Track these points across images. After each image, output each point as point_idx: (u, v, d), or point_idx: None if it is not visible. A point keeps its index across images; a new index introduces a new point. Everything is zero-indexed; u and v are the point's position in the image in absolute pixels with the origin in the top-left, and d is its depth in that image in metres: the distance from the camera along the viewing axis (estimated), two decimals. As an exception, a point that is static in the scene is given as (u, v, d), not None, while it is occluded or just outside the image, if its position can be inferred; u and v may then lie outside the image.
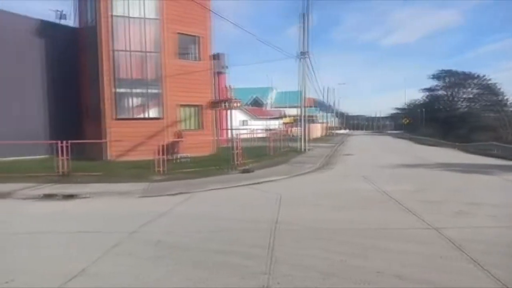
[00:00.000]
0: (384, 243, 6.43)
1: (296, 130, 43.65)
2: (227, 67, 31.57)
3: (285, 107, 75.28)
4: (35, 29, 21.18)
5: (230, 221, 8.13)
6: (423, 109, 69.27)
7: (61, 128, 19.36)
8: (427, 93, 75.35)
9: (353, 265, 5.41)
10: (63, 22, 23.34)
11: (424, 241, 6.57)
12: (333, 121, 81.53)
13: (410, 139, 50.07)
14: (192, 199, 10.68)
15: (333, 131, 68.61)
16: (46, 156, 18.68)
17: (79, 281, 5.02)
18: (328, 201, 10.22)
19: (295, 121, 56.43)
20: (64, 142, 14.40)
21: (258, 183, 13.18)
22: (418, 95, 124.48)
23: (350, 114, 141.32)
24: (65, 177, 13.84)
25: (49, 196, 11.30)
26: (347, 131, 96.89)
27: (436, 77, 71.82)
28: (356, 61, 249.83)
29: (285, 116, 65.36)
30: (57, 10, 23.70)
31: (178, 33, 20.34)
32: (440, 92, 72.96)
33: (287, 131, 34.62)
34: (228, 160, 16.05)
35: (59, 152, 14.27)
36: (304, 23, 25.39)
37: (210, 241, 6.69)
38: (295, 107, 74.10)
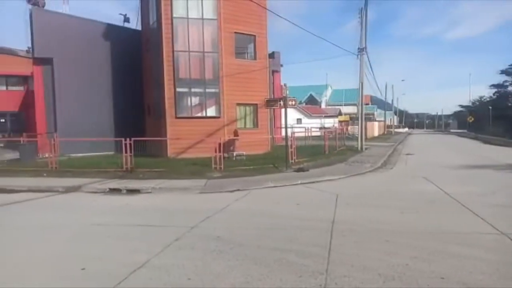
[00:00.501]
0: (449, 247, 6.12)
1: (352, 129, 42.70)
2: (282, 65, 31.65)
3: (341, 105, 73.89)
4: (103, 32, 22.52)
5: (286, 219, 8.14)
6: (490, 107, 64.77)
7: (125, 126, 20.47)
8: (496, 90, 70.29)
9: (415, 269, 5.21)
10: (127, 25, 24.61)
11: (493, 247, 6.17)
12: (392, 120, 78.69)
13: (476, 138, 47.14)
14: (249, 196, 10.82)
15: (391, 130, 66.18)
16: (112, 152, 19.81)
17: (144, 272, 5.28)
18: (389, 202, 9.90)
19: (351, 119, 55.17)
20: (128, 139, 15.18)
21: (314, 182, 13.07)
22: (484, 92, 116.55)
23: (410, 112, 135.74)
24: (129, 173, 14.58)
25: (114, 191, 11.99)
26: (406, 129, 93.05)
27: (506, 72, 66.81)
28: (417, 56, 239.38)
29: (340, 114, 64.14)
30: (125, 14, 25.06)
31: (235, 32, 20.65)
32: (511, 88, 67.81)
33: (343, 129, 33.92)
34: (283, 159, 16.05)
35: (124, 149, 15.07)
36: (362, 18, 24.72)
37: (267, 238, 6.74)
38: (351, 104, 72.66)
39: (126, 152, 15.03)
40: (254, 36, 21.42)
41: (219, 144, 15.67)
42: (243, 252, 6.02)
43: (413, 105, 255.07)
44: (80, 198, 11.29)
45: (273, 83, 28.23)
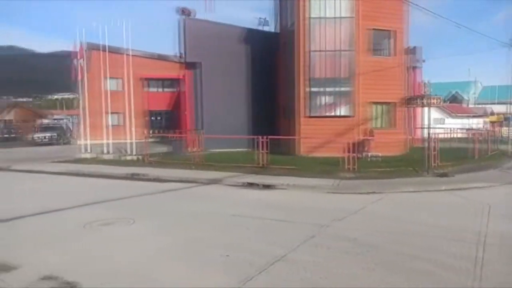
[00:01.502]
0: None
1: (505, 130, 37.35)
2: (423, 60, 29.38)
3: (492, 104, 65.24)
4: (242, 36, 24.04)
5: (427, 226, 7.55)
6: None
7: (260, 124, 21.49)
8: None
9: None
10: (266, 28, 25.82)
11: None
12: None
13: None
14: (384, 200, 10.33)
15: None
16: (248, 149, 20.98)
17: (282, 265, 5.47)
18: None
19: (506, 119, 48.25)
20: (263, 137, 15.88)
21: (460, 189, 11.81)
22: None
23: None
24: (263, 169, 15.26)
25: (250, 185, 12.68)
26: None
27: None
28: None
29: (492, 114, 56.63)
30: (260, 18, 26.36)
31: (372, 29, 19.92)
32: None
33: (493, 131, 29.90)
34: (422, 162, 14.90)
35: (259, 146, 15.82)
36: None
37: (405, 244, 6.37)
38: (504, 103, 63.55)
39: (261, 149, 15.75)
40: (392, 31, 20.34)
41: (352, 144, 15.31)
42: (379, 256, 5.79)
43: None
44: (220, 190, 12.26)
45: (413, 79, 26.39)
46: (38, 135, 36.82)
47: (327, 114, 19.92)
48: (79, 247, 6.55)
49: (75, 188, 12.94)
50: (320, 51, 19.60)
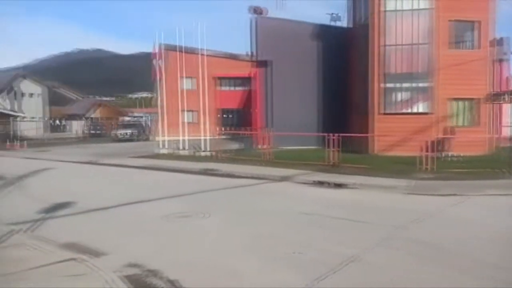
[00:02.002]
0: None
1: None
2: (512, 53, 26.85)
3: None
4: (312, 32, 23.80)
5: (517, 234, 6.94)
6: None
7: (330, 122, 21.15)
8: None
9: None
10: (337, 24, 25.34)
11: None
12: None
13: None
14: (466, 203, 9.66)
15: None
16: (318, 147, 20.75)
17: (356, 266, 5.36)
18: None
19: None
20: (334, 135, 15.61)
21: (555, 193, 10.68)
22: None
23: None
24: (334, 167, 15.01)
25: (320, 183, 12.53)
26: None
27: None
28: None
29: None
30: (332, 14, 25.90)
31: (453, 20, 18.66)
32: None
33: None
34: (509, 163, 13.67)
35: (329, 144, 15.58)
36: None
37: (489, 252, 5.91)
38: None
39: (331, 147, 15.51)
40: (476, 22, 18.88)
41: (430, 143, 14.49)
42: (458, 263, 5.45)
43: None
44: (290, 187, 12.29)
45: (500, 74, 24.29)
46: (120, 132, 39.63)
47: (403, 111, 19.08)
48: (160, 237, 6.97)
49: (154, 182, 13.74)
50: (396, 45, 18.81)
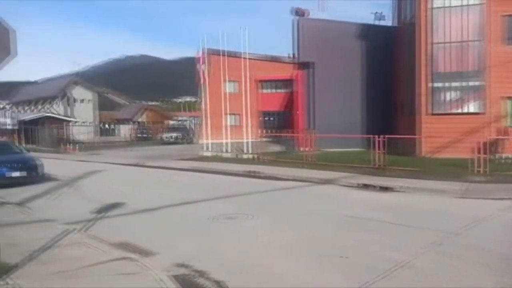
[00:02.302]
0: None
1: None
2: None
3: None
4: (356, 32, 23.39)
5: None
6: None
7: (375, 123, 20.66)
8: None
9: None
10: (381, 23, 24.78)
11: None
12: None
13: None
14: (524, 208, 9.10)
15: None
16: (362, 149, 20.32)
17: (405, 271, 5.19)
18: None
19: None
20: (380, 136, 15.22)
21: None
22: None
23: None
24: (380, 170, 14.63)
25: (366, 186, 12.25)
26: None
27: None
28: None
29: None
30: (376, 12, 25.34)
31: (505, 15, 17.67)
32: None
33: None
34: None
35: (375, 146, 15.21)
36: None
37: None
38: None
39: (377, 149, 15.13)
40: (535, 14, 17.76)
41: (483, 144, 13.78)
42: (516, 271, 5.13)
43: None
44: (334, 190, 12.11)
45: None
46: (166, 135, 40.85)
47: (453, 111, 18.27)
48: (207, 238, 7.10)
49: (199, 184, 14.03)
50: (444, 43, 18.07)
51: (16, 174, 13.66)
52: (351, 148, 20.84)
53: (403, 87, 20.92)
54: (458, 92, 18.23)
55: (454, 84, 18.15)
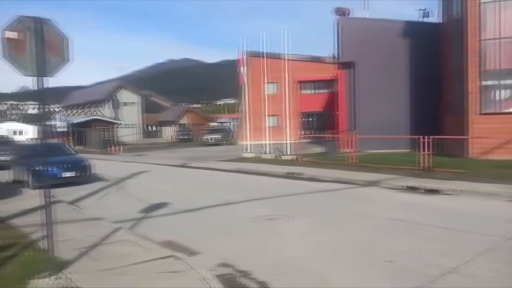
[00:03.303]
0: None
1: None
2: None
3: None
4: (399, 30, 22.74)
5: None
6: None
7: (421, 124, 19.90)
8: None
9: None
10: (426, 20, 23.95)
11: None
12: None
13: None
14: None
15: None
16: (406, 150, 19.70)
17: (455, 277, 5.00)
18: None
19: None
20: (426, 137, 14.70)
21: None
22: None
23: None
24: (426, 172, 14.13)
25: (411, 189, 11.86)
26: None
27: None
28: None
29: None
30: (424, 9, 24.54)
31: None
32: None
33: None
34: None
35: (420, 147, 14.70)
36: None
37: None
38: None
39: (423, 151, 14.63)
40: None
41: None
42: None
43: None
44: (377, 192, 11.81)
45: None
46: (207, 137, 41.54)
47: (504, 110, 17.33)
48: (249, 238, 7.16)
49: (240, 184, 14.16)
50: (494, 39, 17.16)
51: (68, 174, 14.41)
52: (395, 149, 20.25)
53: (451, 86, 20.07)
54: (509, 91, 17.28)
55: (506, 82, 17.21)
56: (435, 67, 21.81)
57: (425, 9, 24.30)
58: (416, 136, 15.25)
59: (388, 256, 5.81)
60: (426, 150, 14.51)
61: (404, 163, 15.54)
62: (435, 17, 23.76)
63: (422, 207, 9.55)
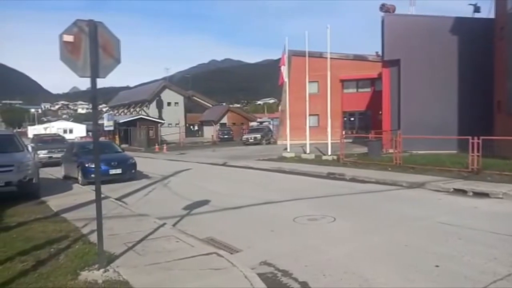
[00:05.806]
0: None
1: None
2: None
3: None
4: (447, 27, 21.84)
5: None
6: None
7: (471, 124, 19.02)
8: None
9: None
10: (476, 15, 22.87)
11: None
12: None
13: None
14: None
15: None
16: (454, 151, 18.90)
17: (505, 284, 4.76)
18: None
19: None
20: (476, 138, 14.04)
21: None
22: None
23: None
24: (475, 174, 13.50)
25: (459, 191, 11.36)
26: None
27: None
28: None
29: None
30: (470, 4, 23.45)
31: None
32: None
33: None
34: None
35: (469, 148, 14.06)
36: None
37: None
38: None
39: (472, 152, 13.98)
40: None
41: None
42: None
43: None
44: (423, 195, 11.40)
45: None
46: (246, 136, 41.81)
47: None
48: (289, 238, 7.15)
49: (280, 184, 14.15)
50: (553, 33, 16.12)
51: (116, 171, 15.01)
52: (441, 150, 19.47)
53: (504, 84, 19.02)
54: None
55: None
56: (485, 64, 20.77)
57: (475, 4, 23.15)
58: (465, 137, 14.60)
59: (438, 261, 5.61)
60: (475, 151, 13.86)
61: (451, 164, 14.96)
62: (484, 13, 22.63)
63: (471, 210, 9.14)
